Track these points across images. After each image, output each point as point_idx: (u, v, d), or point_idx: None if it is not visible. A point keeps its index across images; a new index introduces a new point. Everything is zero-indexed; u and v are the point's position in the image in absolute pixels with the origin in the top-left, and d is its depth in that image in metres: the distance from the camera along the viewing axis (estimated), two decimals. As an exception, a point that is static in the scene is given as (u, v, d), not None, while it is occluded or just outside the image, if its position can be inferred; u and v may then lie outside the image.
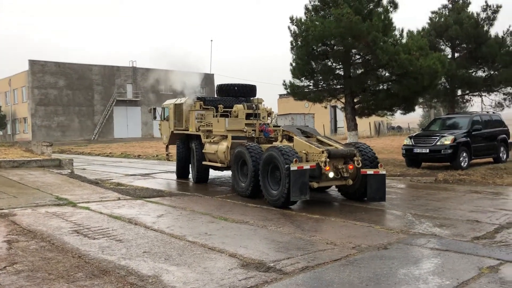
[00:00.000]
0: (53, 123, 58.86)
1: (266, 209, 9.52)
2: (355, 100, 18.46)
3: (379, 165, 9.81)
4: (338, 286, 4.86)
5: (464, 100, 31.64)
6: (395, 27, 17.17)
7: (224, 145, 12.23)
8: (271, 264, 5.64)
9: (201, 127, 13.54)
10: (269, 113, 13.85)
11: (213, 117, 13.48)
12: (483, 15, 27.12)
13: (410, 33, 18.62)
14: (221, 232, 7.40)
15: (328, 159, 9.23)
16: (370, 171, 9.59)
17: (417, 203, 10.00)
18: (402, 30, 17.48)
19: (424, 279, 5.03)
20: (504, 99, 29.76)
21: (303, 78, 18.27)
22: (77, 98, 60.67)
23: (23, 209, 9.28)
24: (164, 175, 16.68)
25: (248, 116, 12.88)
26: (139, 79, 65.50)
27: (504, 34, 27.42)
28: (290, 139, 10.92)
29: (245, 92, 14.87)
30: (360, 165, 9.61)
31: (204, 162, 13.37)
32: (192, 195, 11.75)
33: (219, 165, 12.65)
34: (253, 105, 13.18)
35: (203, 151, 13.24)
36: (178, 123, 14.89)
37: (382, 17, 16.68)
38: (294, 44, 17.74)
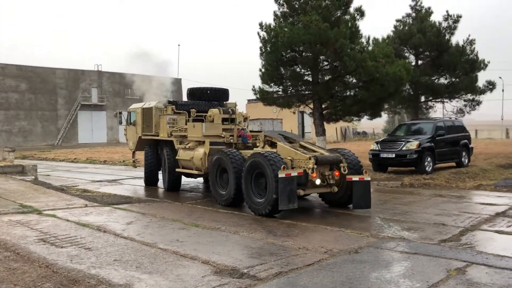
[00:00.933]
0: (14, 128, 56.97)
1: (238, 215, 9.50)
2: (323, 106, 18.70)
3: (364, 171, 9.61)
4: (312, 291, 4.90)
5: (427, 106, 32.60)
6: (362, 34, 17.53)
7: (200, 151, 11.72)
8: (244, 270, 5.63)
9: (173, 132, 12.95)
10: (245, 118, 13.45)
11: (186, 122, 13.03)
12: (444, 24, 28.08)
13: (375, 40, 19.05)
14: (192, 239, 7.33)
15: (315, 166, 8.93)
16: (355, 178, 9.31)
17: (384, 207, 10.20)
18: (369, 38, 17.88)
19: (396, 282, 5.13)
20: (465, 106, 30.81)
21: (272, 84, 18.38)
22: (40, 102, 58.98)
23: (-15, 217, 8.92)
24: (131, 181, 16.39)
25: (223, 121, 12.41)
26: (104, 83, 64.30)
27: (464, 43, 28.44)
28: (272, 144, 10.57)
29: (218, 96, 14.44)
30: (346, 171, 9.33)
31: (177, 169, 12.78)
32: (161, 201, 11.60)
33: (195, 172, 12.15)
34: (229, 110, 12.73)
35: (177, 157, 12.65)
36: (146, 128, 14.23)
37: (349, 24, 16.99)
38: (263, 50, 17.83)
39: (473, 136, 30.23)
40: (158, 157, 14.06)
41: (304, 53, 17.41)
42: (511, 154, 22.26)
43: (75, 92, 61.41)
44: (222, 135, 11.86)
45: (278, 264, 5.89)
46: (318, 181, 9.08)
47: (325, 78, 18.59)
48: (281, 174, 8.54)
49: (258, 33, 17.79)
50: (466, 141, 18.21)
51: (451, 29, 28.08)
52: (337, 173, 9.32)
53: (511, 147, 28.47)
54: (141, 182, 15.10)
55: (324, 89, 17.65)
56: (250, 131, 12.66)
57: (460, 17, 28.22)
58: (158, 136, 13.62)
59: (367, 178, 9.37)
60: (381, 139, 18.42)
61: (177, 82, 69.80)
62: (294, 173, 8.68)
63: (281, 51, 17.00)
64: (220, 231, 7.90)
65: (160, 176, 14.20)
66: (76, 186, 14.86)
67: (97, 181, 16.36)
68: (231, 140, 11.74)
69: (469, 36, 28.49)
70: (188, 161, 12.13)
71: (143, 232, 7.83)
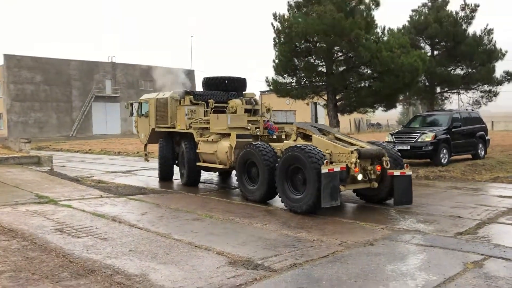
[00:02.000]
0: (30, 119, 57.66)
1: (251, 206, 9.51)
2: (337, 97, 18.59)
3: (405, 165, 9.00)
4: (327, 283, 4.88)
5: (443, 98, 32.17)
6: (377, 24, 17.39)
7: (225, 144, 11.02)
8: (259, 262, 5.63)
9: (193, 124, 12.19)
10: (268, 109, 12.59)
11: (204, 113, 12.49)
12: (461, 14, 27.59)
13: (391, 31, 18.84)
14: (207, 230, 7.35)
15: (358, 160, 8.40)
16: (396, 172, 8.76)
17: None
18: (384, 28, 17.72)
19: (412, 275, 5.08)
20: (481, 97, 30.35)
21: (285, 75, 18.30)
22: (55, 94, 59.54)
23: (2, 207, 9.06)
24: (145, 172, 16.50)
25: (246, 112, 11.85)
26: (118, 75, 64.66)
27: (481, 33, 27.94)
28: (305, 137, 9.96)
29: (236, 86, 13.73)
30: (389, 166, 8.78)
31: (198, 163, 12.04)
32: (175, 193, 11.66)
33: (219, 166, 11.42)
34: (252, 100, 12.18)
35: (197, 151, 11.90)
36: (161, 120, 13.44)
37: (365, 14, 16.85)
38: (277, 40, 17.77)
39: (490, 127, 29.82)
40: (173, 150, 13.46)
41: (318, 44, 17.31)
42: (528, 146, 21.87)
43: (89, 84, 61.86)
44: (248, 127, 11.22)
45: (292, 255, 5.88)
46: (360, 177, 8.51)
47: (340, 69, 18.47)
48: (324, 170, 7.98)
49: (272, 24, 17.73)
50: (482, 132, 17.91)
51: (468, 19, 27.61)
52: (379, 168, 8.76)
53: (529, 139, 27.96)
54: (155, 174, 15.04)
55: (338, 80, 17.55)
56: (275, 123, 12.08)
57: (478, 6, 27.67)
58: (174, 128, 12.92)
59: (408, 172, 8.88)
60: (395, 131, 18.21)
61: (190, 74, 69.95)
62: (337, 168, 8.12)
63: (295, 41, 16.94)
64: (234, 222, 7.92)
65: (176, 169, 13.63)
66: (91, 177, 15.01)
67: (112, 172, 16.51)
68: (258, 133, 11.06)
69: (487, 25, 27.96)
70: (211, 155, 11.47)
71: (157, 223, 7.88)
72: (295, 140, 9.96)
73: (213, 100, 12.65)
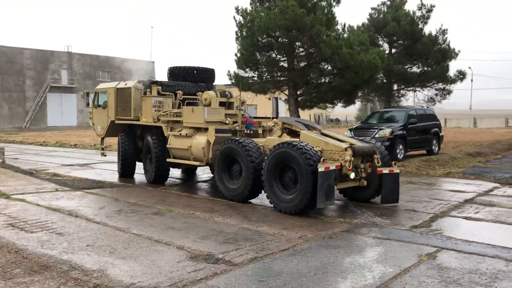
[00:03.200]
0: (-21, 109, 55.11)
1: (212, 200, 9.48)
2: (298, 93, 18.74)
3: (393, 163, 8.75)
4: (287, 276, 4.93)
5: (400, 95, 33.11)
6: (337, 21, 17.61)
7: (201, 140, 10.22)
8: (219, 256, 5.62)
9: (161, 116, 11.26)
10: (242, 102, 11.71)
11: (173, 105, 11.68)
12: (418, 13, 28.41)
13: (351, 28, 19.14)
14: (167, 224, 7.27)
15: (352, 158, 8.02)
16: (385, 170, 8.47)
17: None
18: (344, 25, 17.98)
19: (369, 267, 5.22)
20: (436, 94, 31.44)
21: (247, 69, 18.28)
22: (7, 83, 57.09)
23: (-50, 201, 8.63)
24: (103, 165, 16.11)
25: (221, 105, 10.97)
26: (75, 65, 62.72)
27: (437, 32, 28.87)
28: (291, 133, 9.45)
29: (206, 77, 12.91)
30: (380, 163, 8.47)
31: (168, 160, 11.18)
32: (134, 187, 11.45)
33: (193, 163, 10.66)
34: (227, 93, 11.28)
35: (168, 146, 11.02)
36: (122, 112, 12.37)
37: (326, 11, 17.01)
38: (239, 34, 17.69)
39: (443, 124, 31.04)
40: (136, 145, 12.62)
41: (280, 39, 17.36)
42: (478, 143, 22.88)
43: (44, 74, 59.67)
44: (227, 121, 10.45)
45: (253, 249, 5.91)
46: (352, 175, 8.09)
47: (301, 64, 18.60)
48: (321, 168, 7.53)
49: (234, 17, 17.63)
50: (436, 129, 18.58)
51: (425, 18, 28.46)
52: (370, 166, 8.43)
53: (479, 136, 29.24)
54: (113, 167, 14.55)
55: (299, 76, 17.68)
56: (254, 118, 11.30)
57: (434, 6, 28.59)
58: (138, 120, 11.91)
59: (396, 170, 8.60)
60: (354, 127, 18.60)
61: (150, 65, 68.77)
62: (332, 167, 7.71)
63: (257, 36, 16.92)
64: (194, 217, 7.86)
65: (138, 166, 12.82)
66: (45, 170, 14.51)
67: (68, 165, 16.02)
68: (237, 127, 10.36)
69: (441, 25, 28.88)
70: (184, 151, 10.64)
71: (115, 217, 7.72)
72: (280, 136, 9.46)
73: (181, 92, 11.89)
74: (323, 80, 18.35)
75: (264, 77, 18.94)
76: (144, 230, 6.84)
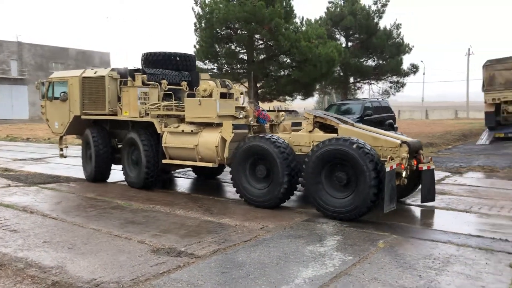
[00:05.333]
0: None
1: (172, 194, 9.41)
2: (258, 85, 18.83)
3: (429, 158, 7.91)
4: (250, 266, 4.99)
5: (356, 87, 33.90)
6: (296, 14, 17.78)
7: (212, 137, 8.83)
8: (182, 249, 5.61)
9: (150, 110, 9.69)
10: (241, 93, 10.29)
11: (158, 97, 10.22)
12: (374, 7, 29.12)
13: (308, 21, 19.37)
14: (126, 219, 7.16)
15: (408, 155, 7.18)
16: (424, 167, 7.64)
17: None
18: (303, 18, 18.17)
19: (330, 256, 5.35)
20: (390, 87, 32.42)
21: (207, 61, 18.18)
22: (-50, 74, 54.15)
23: None
24: (58, 159, 15.58)
25: (222, 97, 9.38)
26: (25, 55, 60.20)
27: (391, 27, 29.71)
28: (322, 127, 8.39)
29: (188, 65, 11.42)
30: (424, 160, 7.72)
31: (165, 161, 9.58)
32: (87, 179, 11.14)
33: (201, 164, 9.11)
34: (227, 83, 9.85)
35: (164, 145, 9.45)
36: (92, 105, 10.56)
37: (284, 3, 17.13)
38: (198, 26, 17.53)
39: (397, 116, 32.06)
40: (111, 144, 10.87)
41: (239, 31, 17.35)
42: (430, 134, 23.74)
43: (-8, 64, 56.96)
44: (241, 116, 9.16)
45: (215, 241, 5.93)
46: (404, 174, 7.17)
47: (260, 57, 18.69)
48: (387, 168, 6.72)
49: (193, 9, 17.45)
50: (391, 121, 19.15)
51: (380, 13, 29.23)
52: (415, 162, 7.56)
53: (431, 127, 30.35)
54: (69, 160, 13.78)
55: (259, 68, 17.77)
56: (277, 111, 10.19)
57: (388, 1, 29.35)
58: (115, 115, 10.29)
59: (432, 166, 7.82)
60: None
61: (106, 56, 67.05)
62: (394, 166, 6.87)
63: (216, 27, 16.86)
64: (155, 210, 7.79)
65: (115, 169, 11.13)
66: (-4, 165, 13.92)
67: (20, 160, 15.43)
68: (251, 122, 9.15)
69: (396, 20, 29.80)
70: (188, 150, 9.13)
71: (73, 212, 7.54)
72: (311, 131, 8.24)
73: (166, 81, 10.44)
74: (282, 73, 18.52)
75: (224, 69, 18.91)
76: (103, 225, 6.71)
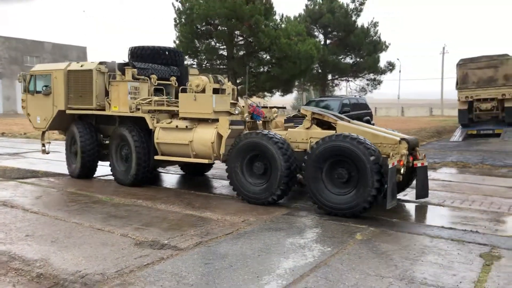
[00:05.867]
0: None
1: (154, 188, 9.45)
2: (238, 81, 18.93)
3: (423, 155, 7.85)
4: (232, 258, 5.13)
5: (334, 84, 34.31)
6: (275, 11, 17.92)
7: (208, 133, 8.69)
8: (165, 242, 5.70)
9: (141, 105, 9.45)
10: (232, 89, 10.09)
11: (148, 91, 10.00)
12: (352, 5, 29.49)
13: (287, 18, 19.56)
14: (108, 213, 7.21)
15: (407, 152, 7.21)
16: (418, 163, 7.61)
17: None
18: (282, 15, 18.32)
19: (309, 247, 5.53)
20: (367, 84, 32.92)
21: (186, 57, 18.18)
22: None
23: None
24: (35, 154, 15.43)
25: (214, 93, 9.22)
26: (-1, 49, 58.75)
27: (368, 25, 30.16)
28: (320, 124, 8.27)
29: (177, 60, 11.23)
30: (420, 156, 7.71)
31: (157, 157, 9.35)
32: (70, 176, 11.09)
33: (194, 160, 9.00)
34: (219, 78, 9.68)
35: (156, 141, 9.22)
36: (78, 99, 10.24)
37: (264, 0, 17.25)
38: (178, 21, 17.52)
39: (373, 113, 32.60)
40: (98, 139, 10.54)
41: (219, 27, 17.41)
42: (406, 130, 24.22)
43: (-37, 57, 55.45)
44: (236, 112, 9.07)
45: (198, 234, 6.04)
46: (402, 170, 7.13)
47: (240, 53, 18.79)
48: (389, 164, 6.83)
49: (173, 4, 17.43)
50: (368, 117, 19.49)
51: (358, 11, 29.63)
52: (411, 159, 7.54)
53: (407, 124, 30.96)
54: (46, 156, 13.37)
55: (238, 64, 17.88)
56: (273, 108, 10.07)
57: (366, -1, 29.75)
58: (103, 110, 10.04)
59: (425, 163, 7.81)
60: (292, 115, 19.08)
61: (82, 51, 65.99)
62: (395, 162, 6.94)
63: (196, 23, 16.89)
64: (136, 205, 7.84)
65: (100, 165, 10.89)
66: (-29, 160, 13.68)
67: (-4, 155, 15.19)
68: (247, 118, 9.02)
69: (373, 18, 30.30)
70: (181, 146, 8.98)
71: (54, 207, 7.54)
72: (308, 128, 8.15)
73: (155, 76, 10.25)
74: (262, 70, 18.67)
75: (204, 65, 18.93)
76: (85, 219, 6.75)
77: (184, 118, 9.06)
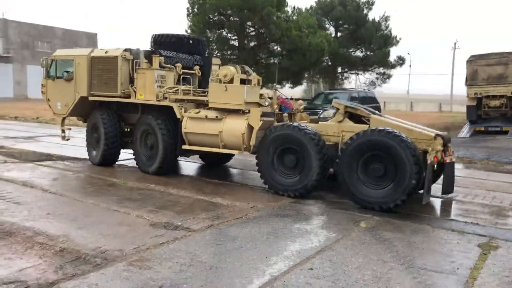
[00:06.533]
0: None
1: (165, 175, 9.73)
2: (249, 72, 19.17)
3: (452, 151, 7.78)
4: (242, 240, 5.42)
5: (343, 77, 34.40)
6: (287, 3, 18.06)
7: (239, 124, 8.62)
8: (178, 223, 6.01)
9: (169, 94, 9.37)
10: (258, 81, 9.77)
11: (174, 80, 9.85)
12: (363, -1, 29.49)
13: (299, 10, 19.69)
14: (123, 195, 7.52)
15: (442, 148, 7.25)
16: (447, 159, 7.54)
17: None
18: (294, 7, 18.46)
19: (315, 232, 5.81)
20: (377, 78, 32.96)
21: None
22: None
23: None
24: (48, 138, 15.80)
25: (241, 83, 9.06)
26: (11, 33, 59.24)
27: (380, 19, 30.14)
28: (352, 117, 8.24)
29: (200, 49, 11.10)
30: (452, 152, 7.70)
31: (185, 147, 9.26)
32: (85, 160, 11.39)
33: (224, 151, 8.92)
34: (246, 69, 9.47)
35: (184, 130, 9.13)
36: (101, 86, 10.12)
37: (276, -8, 17.43)
38: (190, 11, 17.72)
39: (382, 108, 32.67)
40: (121, 127, 10.46)
41: (231, 18, 17.60)
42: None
43: (-24, 41, 55.99)
44: (267, 103, 8.89)
45: (209, 217, 6.34)
46: (435, 166, 7.12)
47: (251, 44, 18.99)
48: (429, 160, 6.93)
49: (186, -6, 17.61)
50: (376, 111, 19.64)
51: (369, 4, 29.62)
52: (443, 155, 7.44)
53: (416, 119, 30.96)
54: (59, 139, 13.32)
55: (249, 55, 18.09)
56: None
57: (378, -7, 29.70)
58: (128, 97, 9.89)
59: (454, 159, 7.87)
60: (301, 107, 19.30)
61: (92, 38, 66.32)
62: (432, 158, 7.03)
63: (209, 13, 17.07)
64: (149, 189, 8.15)
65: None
66: (-13, 142, 14.07)
67: (11, 138, 15.57)
68: (277, 110, 9.07)
69: (384, 12, 30.27)
70: (211, 136, 8.87)
71: (71, 188, 7.88)
72: (341, 121, 8.11)
73: (180, 65, 10.13)
74: (272, 61, 18.87)
75: (215, 55, 19.15)
76: (101, 200, 7.07)
77: (214, 108, 8.96)
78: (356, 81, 40.12)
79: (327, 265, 4.70)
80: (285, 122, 8.47)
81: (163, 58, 9.80)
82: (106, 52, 10.14)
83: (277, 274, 4.43)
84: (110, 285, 4.11)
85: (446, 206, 7.74)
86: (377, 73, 32.23)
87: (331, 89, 23.21)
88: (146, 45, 10.88)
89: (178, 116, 9.18)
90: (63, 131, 11.47)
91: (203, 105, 9.32)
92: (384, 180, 7.11)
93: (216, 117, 8.80)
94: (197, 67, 10.37)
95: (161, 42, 10.52)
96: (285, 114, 9.15)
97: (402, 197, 6.87)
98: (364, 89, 22.97)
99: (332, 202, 7.60)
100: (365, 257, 4.97)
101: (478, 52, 22.15)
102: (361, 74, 33.03)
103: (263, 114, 8.48)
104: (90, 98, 10.31)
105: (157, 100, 9.39)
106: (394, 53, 33.41)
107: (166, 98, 9.36)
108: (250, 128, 8.51)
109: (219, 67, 10.76)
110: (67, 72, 10.65)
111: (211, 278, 4.30)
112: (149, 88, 9.49)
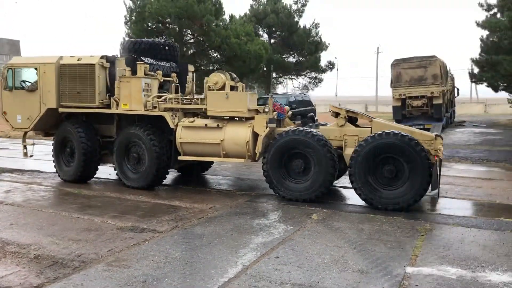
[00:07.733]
0: None
1: (118, 182, 9.81)
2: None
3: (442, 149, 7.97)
4: (209, 237, 5.84)
5: (278, 82, 35.54)
6: (224, 11, 18.60)
7: (242, 131, 8.47)
8: (144, 226, 6.30)
9: (159, 103, 8.90)
10: (242, 88, 9.76)
11: (158, 87, 9.46)
12: (294, 6, 30.75)
13: (233, 18, 20.30)
14: (83, 203, 7.64)
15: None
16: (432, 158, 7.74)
17: (250, 170, 11.51)
18: (232, 16, 19.02)
19: (274, 226, 6.35)
20: (309, 83, 34.41)
21: (137, 54, 18.43)
22: None
23: None
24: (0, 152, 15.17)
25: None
26: None
27: (310, 26, 31.55)
28: (352, 121, 8.48)
29: (175, 55, 10.69)
30: (442, 150, 7.88)
31: (181, 157, 8.89)
32: (32, 171, 11.13)
33: (226, 160, 8.76)
34: (234, 76, 9.32)
35: (179, 140, 8.75)
36: (75, 96, 9.29)
37: (214, 1, 17.88)
38: (128, 18, 17.74)
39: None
40: (97, 139, 9.64)
41: (170, 26, 17.83)
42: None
43: None
44: (266, 110, 8.64)
45: (172, 219, 6.68)
46: (440, 163, 7.59)
47: (190, 51, 19.29)
48: (433, 160, 7.30)
49: (124, 2, 17.62)
50: (312, 114, 20.70)
51: (300, 12, 30.92)
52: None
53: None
54: (12, 153, 12.97)
55: (189, 63, 18.35)
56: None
57: (308, 1, 31.13)
58: (107, 108, 9.27)
59: (441, 156, 8.02)
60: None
61: (15, 45, 63.14)
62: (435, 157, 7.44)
63: (147, 21, 17.19)
64: (107, 196, 8.30)
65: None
66: None
67: None
68: (275, 117, 8.79)
69: (314, 20, 31.71)
70: (210, 146, 8.61)
71: (27, 199, 7.86)
72: (342, 126, 8.22)
73: (161, 72, 9.68)
74: (211, 68, 19.30)
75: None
76: (61, 209, 7.17)
77: (212, 117, 8.75)
78: (289, 86, 41.45)
79: (291, 253, 5.24)
80: (290, 128, 8.49)
81: (148, 65, 9.30)
82: (78, 60, 9.37)
83: (248, 264, 4.90)
84: (95, 284, 4.37)
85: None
86: (309, 78, 33.69)
87: (271, 94, 24.01)
88: (70, 53, 9.79)
89: (172, 125, 8.78)
90: (25, 147, 10.45)
91: (193, 114, 9.17)
92: (397, 181, 7.42)
93: (218, 125, 8.60)
94: (174, 74, 10.17)
95: (136, 49, 9.92)
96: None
97: (416, 196, 7.29)
98: (300, 93, 24.04)
99: (283, 198, 8.17)
100: (322, 244, 5.57)
101: (399, 56, 23.90)
102: (294, 78, 34.33)
103: (269, 121, 8.44)
104: (60, 109, 9.52)
105: (145, 110, 8.93)
106: (324, 58, 35.03)
107: (155, 107, 8.92)
108: (255, 135, 8.46)
109: (193, 73, 10.77)
110: (26, 81, 9.85)
111: (189, 271, 4.69)
112: (135, 98, 8.97)
